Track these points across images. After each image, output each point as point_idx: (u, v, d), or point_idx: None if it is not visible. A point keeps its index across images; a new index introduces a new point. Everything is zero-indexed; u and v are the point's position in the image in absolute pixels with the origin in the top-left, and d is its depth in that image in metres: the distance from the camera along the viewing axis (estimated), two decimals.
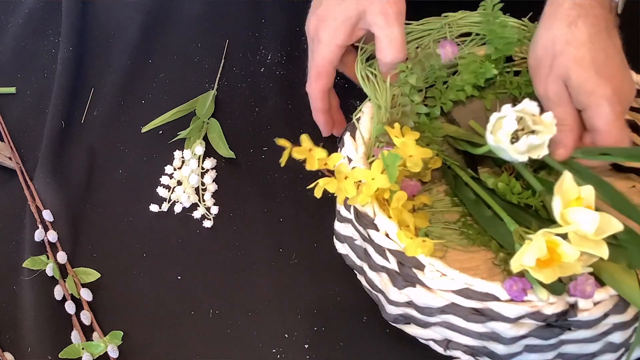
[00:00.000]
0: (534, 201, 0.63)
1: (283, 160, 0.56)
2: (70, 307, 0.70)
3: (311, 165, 0.57)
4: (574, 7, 0.59)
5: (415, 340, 0.62)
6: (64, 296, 0.71)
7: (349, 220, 0.62)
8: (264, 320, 0.69)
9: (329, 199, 0.60)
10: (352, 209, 0.60)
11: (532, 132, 0.54)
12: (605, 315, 0.53)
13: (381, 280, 0.59)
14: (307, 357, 0.67)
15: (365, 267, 0.61)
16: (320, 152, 0.57)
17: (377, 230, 0.57)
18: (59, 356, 0.67)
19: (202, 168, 0.78)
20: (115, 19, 0.93)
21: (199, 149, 0.78)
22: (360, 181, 0.58)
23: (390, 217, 0.58)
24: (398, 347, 0.66)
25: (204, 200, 0.76)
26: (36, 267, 0.72)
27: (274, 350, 0.67)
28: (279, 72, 0.86)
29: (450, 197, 0.71)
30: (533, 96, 0.70)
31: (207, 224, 0.75)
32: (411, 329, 0.61)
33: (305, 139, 0.56)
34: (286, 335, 0.68)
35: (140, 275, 0.72)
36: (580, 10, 0.59)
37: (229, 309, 0.70)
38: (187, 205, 0.76)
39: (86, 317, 0.69)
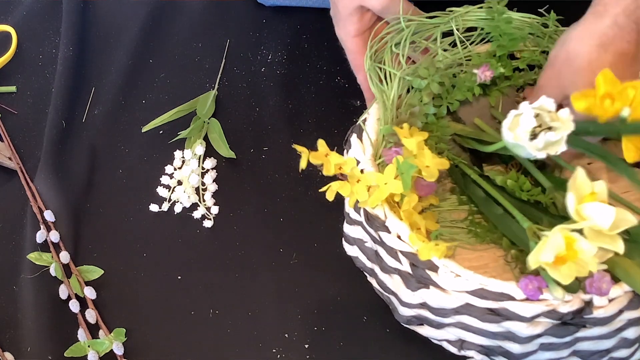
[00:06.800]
0: (543, 198, 0.63)
1: (302, 166, 0.55)
2: (74, 305, 0.70)
3: (328, 171, 0.57)
4: (613, 27, 0.58)
5: (416, 340, 0.62)
6: (68, 295, 0.71)
7: (358, 223, 0.62)
8: (264, 320, 0.69)
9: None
10: (362, 212, 0.60)
11: (549, 128, 0.54)
12: (620, 312, 0.53)
13: (393, 282, 0.59)
14: (307, 357, 0.66)
15: (377, 269, 0.61)
16: (336, 157, 0.57)
17: (389, 232, 0.57)
18: (65, 355, 0.67)
19: (203, 168, 0.78)
20: (115, 18, 0.93)
21: (200, 149, 0.78)
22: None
23: (401, 219, 0.57)
24: (398, 347, 0.66)
25: (204, 200, 0.76)
26: (40, 262, 0.72)
27: (274, 350, 0.67)
28: (280, 72, 0.86)
29: (457, 195, 0.71)
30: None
31: (207, 224, 0.75)
32: (424, 330, 0.61)
33: (322, 144, 0.56)
34: (286, 335, 0.68)
35: (140, 275, 0.73)
36: (617, 32, 0.58)
37: (229, 309, 0.70)
38: (187, 205, 0.76)
39: (91, 315, 0.69)
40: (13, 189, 0.79)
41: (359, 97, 0.79)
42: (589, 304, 0.53)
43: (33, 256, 0.73)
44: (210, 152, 0.79)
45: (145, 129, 0.81)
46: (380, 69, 0.65)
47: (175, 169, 0.79)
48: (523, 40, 0.68)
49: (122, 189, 0.79)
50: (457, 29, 0.67)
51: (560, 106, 0.54)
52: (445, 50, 0.68)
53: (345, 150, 0.64)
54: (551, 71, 0.62)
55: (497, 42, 0.67)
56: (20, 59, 0.90)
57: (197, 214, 0.76)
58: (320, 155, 0.56)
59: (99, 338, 0.68)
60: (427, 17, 0.67)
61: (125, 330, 0.68)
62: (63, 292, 0.71)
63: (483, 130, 0.69)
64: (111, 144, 0.82)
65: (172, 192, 0.77)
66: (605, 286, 0.52)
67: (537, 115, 0.54)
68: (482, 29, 0.68)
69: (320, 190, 0.57)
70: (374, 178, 0.57)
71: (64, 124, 0.83)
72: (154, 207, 0.76)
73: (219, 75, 0.86)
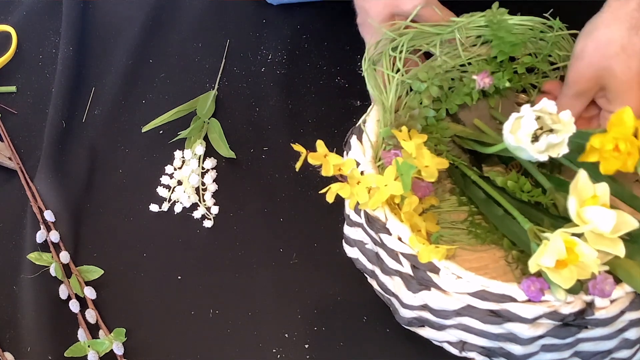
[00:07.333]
0: (544, 199, 0.63)
1: (298, 166, 0.56)
2: (74, 305, 0.70)
3: (326, 171, 0.56)
4: (639, 9, 0.57)
5: (416, 340, 0.62)
6: (68, 295, 0.71)
7: (359, 225, 0.62)
8: (264, 320, 0.69)
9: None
10: (362, 213, 0.59)
11: (551, 130, 0.54)
12: (622, 313, 0.53)
13: (394, 284, 0.59)
14: (307, 357, 0.66)
15: (377, 271, 0.61)
16: (335, 158, 0.57)
17: (390, 234, 0.57)
18: (65, 355, 0.67)
19: (203, 168, 0.78)
20: (115, 18, 0.93)
21: (200, 149, 0.78)
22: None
23: (402, 220, 0.57)
24: (398, 347, 0.66)
25: (204, 200, 0.76)
26: (40, 262, 0.72)
27: (274, 350, 0.67)
28: (280, 72, 0.86)
29: (457, 196, 0.71)
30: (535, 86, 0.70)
31: (207, 224, 0.75)
32: (426, 332, 0.61)
33: (320, 144, 0.56)
34: (286, 335, 0.68)
35: (140, 275, 0.73)
36: None
37: (229, 309, 0.70)
38: (188, 205, 0.76)
39: (91, 315, 0.69)
40: (13, 189, 0.79)
41: (359, 97, 0.79)
42: (590, 305, 0.53)
43: (33, 256, 0.73)
44: (210, 152, 0.79)
45: (145, 129, 0.81)
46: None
47: (175, 169, 0.79)
48: (524, 45, 0.68)
49: (122, 189, 0.79)
50: (461, 37, 0.68)
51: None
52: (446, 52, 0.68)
53: (345, 152, 0.64)
54: (581, 64, 0.60)
55: (497, 47, 0.67)
56: (20, 59, 0.90)
57: (197, 214, 0.76)
58: (319, 156, 0.56)
59: (99, 338, 0.68)
60: (429, 26, 0.67)
61: (125, 330, 0.68)
62: (63, 292, 0.71)
63: (483, 132, 0.69)
64: (111, 144, 0.82)
65: (172, 192, 0.77)
66: (608, 288, 0.52)
67: (538, 118, 0.54)
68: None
69: (320, 192, 0.57)
70: (374, 180, 0.57)
71: (64, 124, 0.83)
72: (154, 207, 0.76)
73: (219, 75, 0.86)
